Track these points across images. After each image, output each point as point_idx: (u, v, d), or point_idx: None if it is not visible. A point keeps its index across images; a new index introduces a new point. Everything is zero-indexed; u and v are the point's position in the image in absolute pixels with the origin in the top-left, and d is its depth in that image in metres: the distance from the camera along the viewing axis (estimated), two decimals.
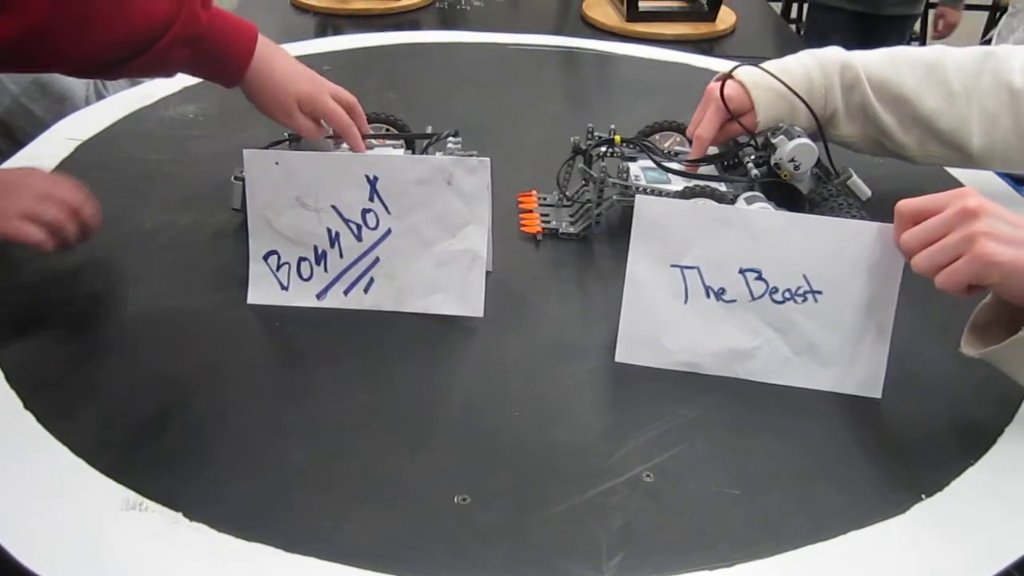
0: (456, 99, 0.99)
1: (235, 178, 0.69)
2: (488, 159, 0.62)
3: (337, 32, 1.42)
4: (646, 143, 0.75)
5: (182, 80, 0.97)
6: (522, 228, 0.73)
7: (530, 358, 0.60)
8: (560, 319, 0.63)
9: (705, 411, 0.55)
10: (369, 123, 0.75)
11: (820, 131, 0.73)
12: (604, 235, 0.73)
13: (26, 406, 0.53)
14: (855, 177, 0.72)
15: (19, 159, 0.80)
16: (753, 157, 0.71)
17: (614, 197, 0.71)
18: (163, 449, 0.51)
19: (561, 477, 0.50)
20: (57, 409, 0.53)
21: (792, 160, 0.69)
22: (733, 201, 0.67)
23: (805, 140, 0.69)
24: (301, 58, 1.07)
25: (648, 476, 0.50)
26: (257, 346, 0.60)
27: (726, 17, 1.49)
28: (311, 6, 1.49)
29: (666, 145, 0.77)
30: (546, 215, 0.74)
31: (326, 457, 0.51)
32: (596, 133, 0.73)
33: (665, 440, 0.52)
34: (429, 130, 0.75)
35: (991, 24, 2.76)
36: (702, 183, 0.68)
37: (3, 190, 0.61)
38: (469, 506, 0.48)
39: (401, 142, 0.75)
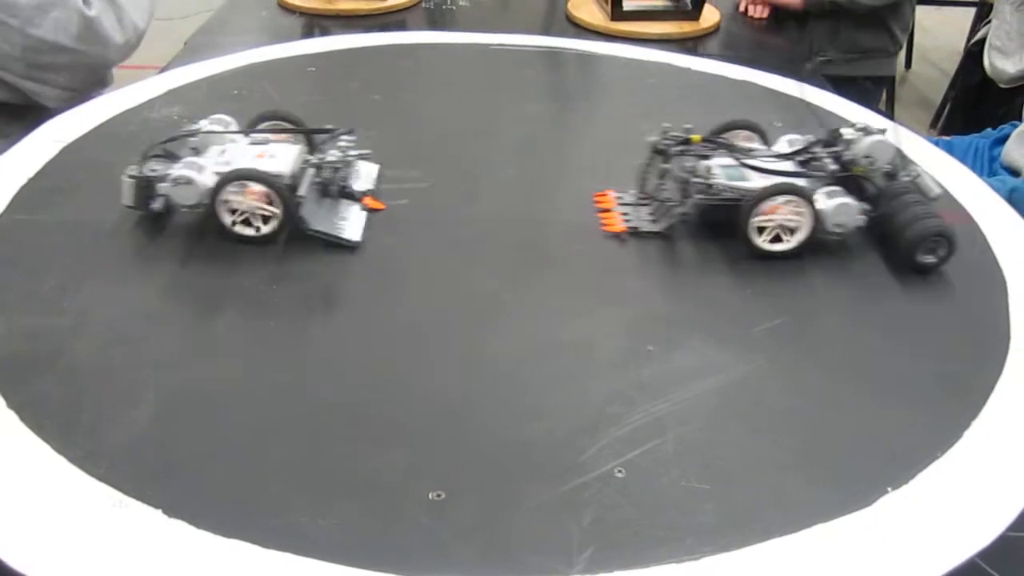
0: (440, 99, 1.00)
1: (127, 176, 0.70)
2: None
3: (324, 33, 1.43)
4: (725, 141, 0.76)
5: (166, 82, 0.98)
6: (604, 227, 0.75)
7: (509, 353, 0.60)
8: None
9: (677, 408, 0.56)
10: (266, 120, 0.77)
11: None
12: (685, 233, 0.74)
13: (8, 405, 0.53)
14: (924, 175, 0.74)
15: (6, 158, 0.81)
16: (827, 153, 0.74)
17: (696, 196, 0.72)
18: (140, 446, 0.51)
19: (535, 473, 0.51)
20: (31, 404, 0.54)
21: (868, 156, 0.72)
22: (812, 195, 0.69)
23: (881, 137, 0.72)
24: (287, 59, 1.09)
25: (620, 472, 0.51)
26: (230, 341, 0.61)
27: (710, 15, 1.51)
28: (297, 7, 1.50)
29: (740, 143, 0.78)
30: (626, 214, 0.76)
31: (300, 453, 0.51)
32: (672, 133, 0.75)
33: (637, 436, 0.53)
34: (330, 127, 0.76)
35: (978, 20, 2.77)
36: (782, 179, 0.70)
37: None
38: (444, 501, 0.49)
39: (300, 137, 0.76)
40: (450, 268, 0.70)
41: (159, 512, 0.47)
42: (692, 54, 1.22)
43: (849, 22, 1.68)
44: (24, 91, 1.11)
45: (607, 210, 0.77)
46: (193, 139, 0.74)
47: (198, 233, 0.71)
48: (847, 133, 0.75)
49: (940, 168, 0.88)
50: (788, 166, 0.74)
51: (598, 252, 0.72)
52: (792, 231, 0.71)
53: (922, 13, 3.43)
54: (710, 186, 0.71)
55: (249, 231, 0.70)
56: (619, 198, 0.78)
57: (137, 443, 0.52)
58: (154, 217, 0.71)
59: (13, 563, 0.44)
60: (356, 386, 0.57)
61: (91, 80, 1.14)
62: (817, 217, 0.70)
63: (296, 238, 0.70)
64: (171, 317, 0.63)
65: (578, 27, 1.47)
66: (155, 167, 0.70)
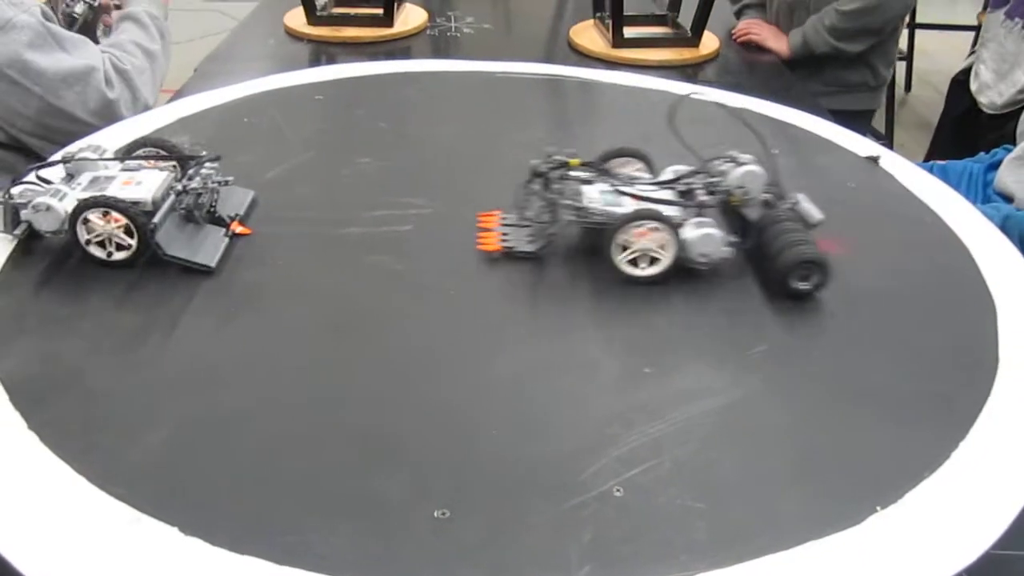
0: (443, 127, 1.03)
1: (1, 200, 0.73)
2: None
3: (330, 60, 1.46)
4: (601, 166, 0.78)
5: (178, 111, 1.01)
6: (479, 247, 0.76)
7: (508, 374, 0.62)
8: (533, 335, 0.66)
9: (674, 429, 0.58)
10: (141, 147, 0.80)
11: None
12: (560, 255, 0.76)
13: (29, 426, 0.55)
14: (803, 202, 0.75)
15: None
16: (703, 184, 0.75)
17: (566, 217, 0.74)
18: (156, 463, 0.53)
19: (536, 492, 0.53)
20: (50, 422, 0.56)
21: (740, 186, 0.73)
22: (681, 225, 0.71)
23: (752, 167, 0.73)
24: (295, 88, 1.12)
25: (618, 491, 0.53)
26: (241, 364, 0.63)
27: (709, 43, 1.53)
28: (305, 34, 1.53)
29: (625, 170, 0.80)
30: (506, 234, 0.77)
31: (310, 473, 0.53)
32: (555, 156, 0.76)
33: (635, 456, 0.55)
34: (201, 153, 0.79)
35: (975, 44, 2.81)
36: (650, 207, 0.72)
37: None
38: (448, 520, 0.50)
39: (172, 163, 0.78)
40: (455, 291, 0.72)
41: (175, 529, 0.49)
42: (691, 81, 1.24)
43: (834, 61, 1.71)
44: (25, 144, 1.15)
45: (488, 230, 0.78)
46: (68, 165, 0.76)
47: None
48: (719, 164, 0.75)
49: (932, 194, 0.90)
50: (667, 195, 0.75)
51: (598, 274, 0.74)
52: (656, 259, 0.72)
53: (922, 37, 3.48)
54: (579, 209, 0.73)
55: (103, 255, 0.72)
56: (504, 219, 0.79)
57: (153, 460, 0.54)
58: (25, 239, 0.73)
59: None
60: (363, 408, 0.59)
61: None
62: (682, 246, 0.71)
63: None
64: (180, 341, 0.65)
65: (580, 54, 1.50)
66: (27, 193, 0.73)
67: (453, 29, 1.63)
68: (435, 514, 0.51)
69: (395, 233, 0.79)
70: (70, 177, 0.76)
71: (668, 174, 0.78)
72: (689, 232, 0.71)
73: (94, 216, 0.70)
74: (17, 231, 0.72)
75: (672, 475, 0.54)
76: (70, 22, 1.31)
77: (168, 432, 0.56)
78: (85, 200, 0.70)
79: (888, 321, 0.71)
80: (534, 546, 0.49)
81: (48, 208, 0.70)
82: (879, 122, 2.78)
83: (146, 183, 0.74)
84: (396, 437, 0.57)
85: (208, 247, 0.74)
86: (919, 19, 3.37)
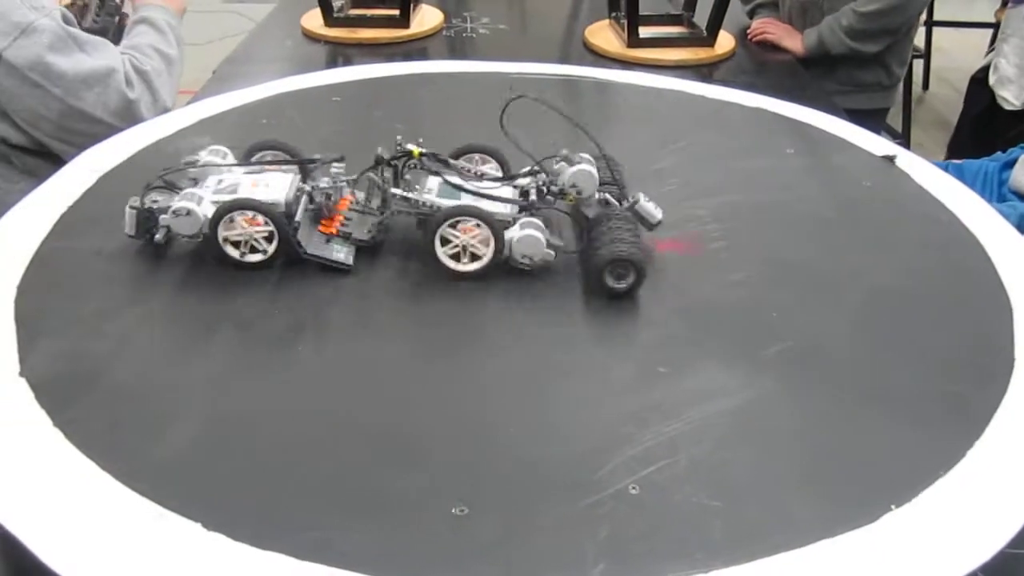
0: (460, 128, 1.03)
1: (130, 207, 0.74)
2: None
3: (347, 61, 1.47)
4: (442, 158, 0.77)
5: (197, 112, 1.02)
6: (320, 229, 0.76)
7: (527, 375, 0.63)
8: (548, 333, 0.67)
9: (689, 428, 0.58)
10: (260, 150, 0.80)
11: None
12: (397, 243, 0.77)
13: (54, 423, 0.57)
14: (643, 201, 0.76)
15: (45, 189, 0.84)
16: (536, 183, 0.75)
17: (395, 207, 0.75)
18: (180, 460, 0.55)
19: (553, 490, 0.53)
20: (75, 419, 0.57)
21: (574, 185, 0.73)
22: (509, 225, 0.72)
23: (584, 167, 0.73)
24: (313, 89, 1.13)
25: (634, 489, 0.53)
26: (261, 364, 0.64)
27: (725, 42, 1.53)
28: (322, 36, 1.54)
29: (479, 167, 0.81)
30: (349, 219, 0.77)
31: (330, 471, 0.54)
32: (400, 147, 0.76)
33: (651, 455, 0.56)
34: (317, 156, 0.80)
35: (995, 39, 2.80)
36: (470, 204, 0.72)
37: None
38: (466, 517, 0.51)
39: (293, 168, 0.79)
40: (467, 291, 0.72)
41: (198, 525, 0.50)
42: (707, 81, 1.25)
43: (848, 60, 1.71)
44: (48, 146, 1.17)
45: (337, 213, 0.78)
46: (192, 170, 0.77)
47: (199, 261, 0.74)
48: (553, 163, 0.75)
49: (948, 193, 0.90)
50: (505, 193, 0.75)
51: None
52: (478, 255, 0.73)
53: (939, 34, 3.46)
54: (406, 199, 0.74)
55: (250, 257, 0.73)
56: (353, 204, 0.79)
57: (176, 456, 0.55)
58: (156, 246, 0.74)
59: (63, 573, 0.47)
60: (381, 407, 0.60)
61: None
62: (505, 245, 0.72)
63: (294, 264, 0.73)
64: (203, 341, 0.66)
65: (595, 54, 1.51)
66: (156, 198, 0.74)
67: (469, 30, 1.64)
68: (453, 511, 0.52)
69: (412, 234, 0.79)
70: (194, 182, 0.77)
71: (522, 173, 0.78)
72: (513, 232, 0.72)
73: (240, 218, 0.72)
74: (159, 236, 0.73)
75: (687, 473, 0.55)
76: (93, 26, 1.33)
77: (191, 430, 0.57)
78: (226, 204, 0.71)
79: (903, 320, 0.71)
80: (550, 543, 0.50)
81: (188, 212, 0.71)
82: (895, 120, 2.77)
83: (274, 185, 0.74)
84: (414, 436, 0.57)
85: (344, 246, 0.75)
86: (936, 16, 3.35)
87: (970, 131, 1.75)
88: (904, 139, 2.84)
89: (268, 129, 0.99)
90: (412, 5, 1.57)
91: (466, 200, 0.74)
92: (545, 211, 0.76)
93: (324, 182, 0.76)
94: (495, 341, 0.67)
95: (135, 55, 1.24)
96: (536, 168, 0.76)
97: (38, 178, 0.90)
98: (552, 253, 0.73)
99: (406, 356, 0.65)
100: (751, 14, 1.83)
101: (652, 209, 0.76)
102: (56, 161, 1.12)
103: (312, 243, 0.74)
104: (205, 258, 0.74)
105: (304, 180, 0.78)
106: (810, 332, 0.69)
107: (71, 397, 0.59)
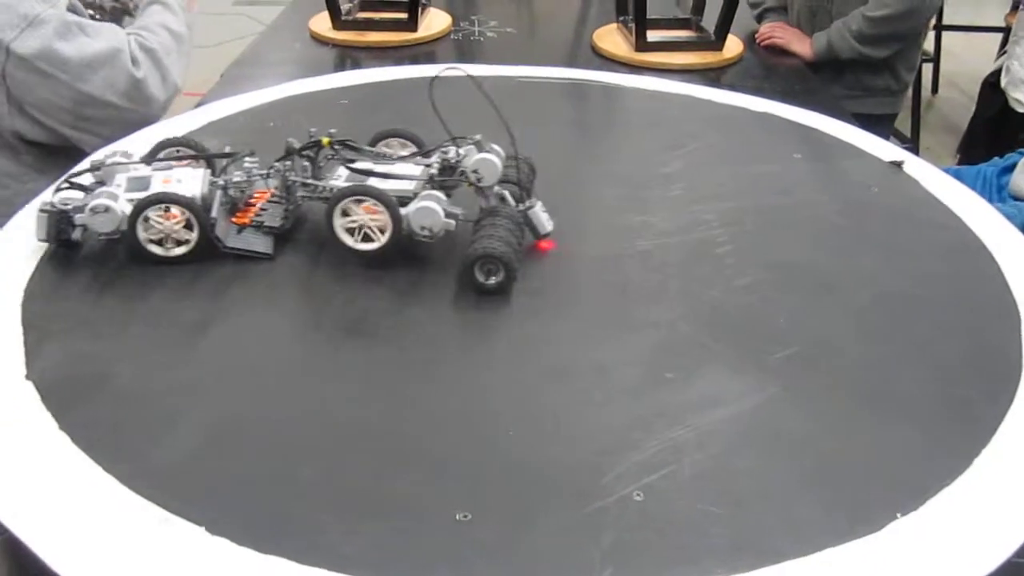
0: (467, 131, 1.03)
1: (41, 210, 0.74)
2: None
3: (355, 64, 1.47)
4: (354, 145, 0.79)
5: (207, 115, 1.02)
6: (234, 220, 0.77)
7: (531, 378, 0.63)
8: (555, 335, 0.67)
9: (694, 434, 0.58)
10: (164, 148, 0.81)
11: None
12: (306, 229, 0.79)
13: (60, 426, 0.57)
14: (537, 209, 0.77)
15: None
16: (442, 160, 0.76)
17: (299, 195, 0.77)
18: (184, 464, 0.55)
19: (557, 495, 0.53)
20: (80, 422, 0.57)
21: (475, 171, 0.75)
22: (408, 202, 0.72)
23: (490, 156, 0.74)
24: (319, 92, 1.13)
25: (638, 495, 0.53)
26: (261, 367, 0.64)
27: (733, 46, 1.53)
28: (330, 39, 1.55)
29: (397, 152, 0.82)
30: (264, 209, 0.78)
31: (333, 475, 0.54)
32: (312, 137, 0.78)
33: (656, 461, 0.56)
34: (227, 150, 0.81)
35: (1005, 43, 2.79)
36: (362, 180, 0.74)
37: None
38: (470, 522, 0.51)
39: (202, 162, 0.80)
40: (471, 294, 0.72)
41: (202, 529, 0.50)
42: (714, 85, 1.24)
43: (856, 65, 1.70)
44: (67, 138, 1.17)
45: (251, 205, 0.79)
46: (97, 172, 0.78)
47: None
48: (461, 145, 0.76)
49: (956, 198, 0.89)
50: (414, 170, 0.76)
51: (622, 278, 0.75)
52: (382, 231, 0.73)
53: (948, 39, 3.45)
54: (307, 185, 0.76)
55: (176, 250, 0.74)
56: (273, 196, 0.80)
57: (180, 460, 0.55)
58: (68, 247, 0.75)
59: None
60: (384, 411, 0.60)
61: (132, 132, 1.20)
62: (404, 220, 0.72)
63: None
64: (205, 345, 0.66)
65: (603, 58, 1.50)
66: (67, 199, 0.75)
67: (477, 33, 1.64)
68: (456, 516, 0.51)
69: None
70: (101, 184, 0.77)
71: (435, 155, 0.78)
72: (410, 207, 0.73)
73: (155, 214, 0.72)
74: (75, 235, 0.73)
75: (693, 480, 0.55)
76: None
77: (195, 434, 0.57)
78: (147, 198, 0.72)
79: (911, 326, 0.70)
80: (555, 549, 0.50)
81: (107, 209, 0.71)
82: (904, 125, 2.76)
83: (187, 181, 0.75)
84: (417, 440, 0.57)
85: (262, 237, 0.76)
86: (946, 20, 3.35)
87: (983, 134, 1.75)
88: (913, 144, 2.83)
89: (275, 132, 1.00)
90: (420, 8, 1.57)
91: (372, 183, 0.74)
92: (454, 189, 0.77)
93: (237, 176, 0.77)
94: (499, 344, 0.67)
95: (142, 34, 1.23)
96: (446, 146, 0.77)
97: (49, 177, 0.91)
98: (452, 223, 0.73)
99: (407, 359, 0.65)
100: (759, 18, 1.83)
101: (544, 220, 0.78)
102: (68, 158, 1.12)
103: (230, 236, 0.75)
104: (205, 261, 0.74)
105: (215, 175, 0.78)
106: (817, 337, 0.69)
107: (77, 399, 0.59)
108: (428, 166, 0.76)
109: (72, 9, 1.17)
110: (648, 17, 1.47)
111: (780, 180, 0.93)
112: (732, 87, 1.23)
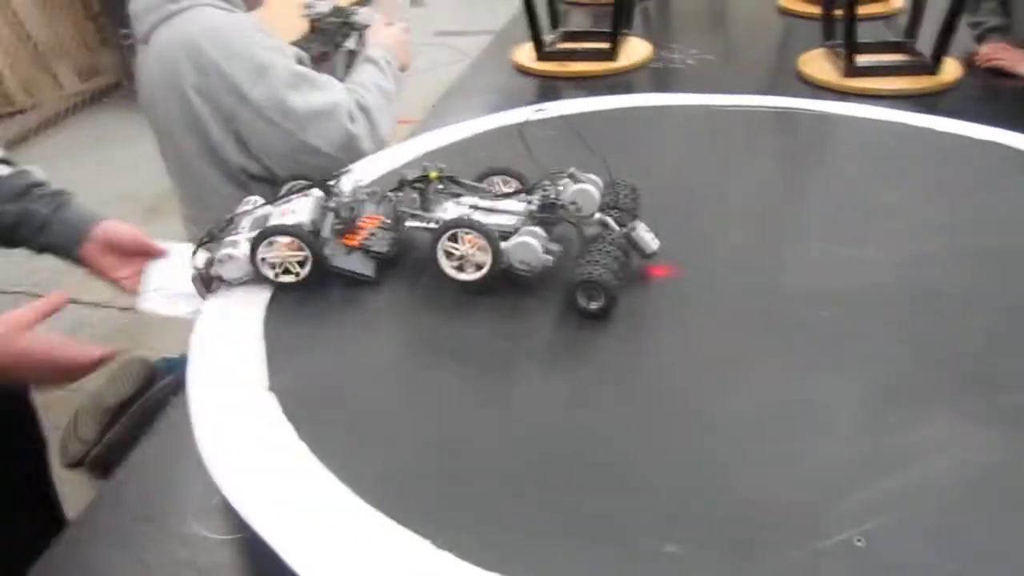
0: (668, 163, 1.04)
1: (193, 276, 0.79)
2: None
3: (556, 95, 1.51)
4: (460, 180, 0.81)
5: (423, 145, 1.08)
6: (342, 241, 0.80)
7: (749, 412, 0.62)
8: (779, 370, 0.66)
9: (922, 480, 0.56)
10: (290, 185, 0.85)
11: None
12: (409, 258, 0.82)
13: (300, 436, 0.62)
14: (640, 230, 0.76)
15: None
16: (541, 197, 0.77)
17: (407, 224, 0.79)
18: (412, 478, 0.58)
19: (771, 533, 0.52)
20: (318, 434, 0.62)
21: (574, 203, 0.75)
22: (508, 237, 0.74)
23: (586, 186, 0.75)
24: (526, 123, 1.16)
25: (859, 541, 0.52)
26: (484, 391, 0.67)
27: (950, 69, 1.45)
28: (533, 70, 1.59)
29: (500, 188, 0.83)
30: (373, 234, 0.81)
31: (554, 498, 0.56)
32: (427, 169, 0.80)
33: (884, 503, 0.54)
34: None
35: None
36: (468, 217, 0.76)
37: None
38: (680, 556, 0.51)
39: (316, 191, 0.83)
40: (686, 328, 0.72)
41: (428, 543, 0.53)
42: (932, 112, 1.18)
43: None
44: (276, 176, 1.28)
45: (361, 228, 0.81)
46: (231, 225, 0.82)
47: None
48: (559, 179, 0.77)
49: None
50: (517, 207, 0.78)
51: (840, 315, 0.72)
52: (479, 264, 0.74)
53: None
54: (415, 215, 0.78)
55: (289, 278, 0.78)
56: (383, 223, 0.82)
57: (409, 478, 0.58)
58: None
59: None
60: (602, 438, 0.61)
61: None
62: (503, 254, 0.74)
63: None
64: (432, 365, 0.70)
65: (808, 84, 1.47)
66: (208, 255, 0.79)
67: (677, 60, 1.64)
68: (667, 548, 0.52)
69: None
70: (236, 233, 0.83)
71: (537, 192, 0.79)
72: (510, 241, 0.74)
73: (266, 250, 0.77)
74: (215, 288, 0.79)
75: (918, 529, 0.52)
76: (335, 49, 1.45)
77: (424, 450, 0.61)
78: (256, 236, 0.77)
79: None
80: None
81: (230, 257, 0.78)
82: None
83: (299, 210, 0.80)
84: (636, 470, 0.58)
85: (364, 262, 0.80)
86: None
87: None
88: None
89: (484, 161, 1.04)
90: (620, 38, 1.60)
91: (476, 217, 0.77)
92: (557, 224, 0.78)
93: (347, 197, 0.81)
94: (714, 376, 0.67)
95: (358, 90, 1.33)
96: (546, 183, 0.79)
97: None
98: (550, 259, 0.75)
99: (625, 389, 0.66)
100: (979, 39, 1.72)
101: (649, 240, 0.78)
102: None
103: (337, 256, 0.79)
104: (431, 285, 0.78)
105: (328, 199, 0.82)
106: None
107: (314, 412, 0.64)
108: (530, 202, 0.79)
109: (299, 59, 1.28)
110: (858, 41, 1.42)
111: (1009, 214, 0.87)
112: (950, 113, 1.16)
